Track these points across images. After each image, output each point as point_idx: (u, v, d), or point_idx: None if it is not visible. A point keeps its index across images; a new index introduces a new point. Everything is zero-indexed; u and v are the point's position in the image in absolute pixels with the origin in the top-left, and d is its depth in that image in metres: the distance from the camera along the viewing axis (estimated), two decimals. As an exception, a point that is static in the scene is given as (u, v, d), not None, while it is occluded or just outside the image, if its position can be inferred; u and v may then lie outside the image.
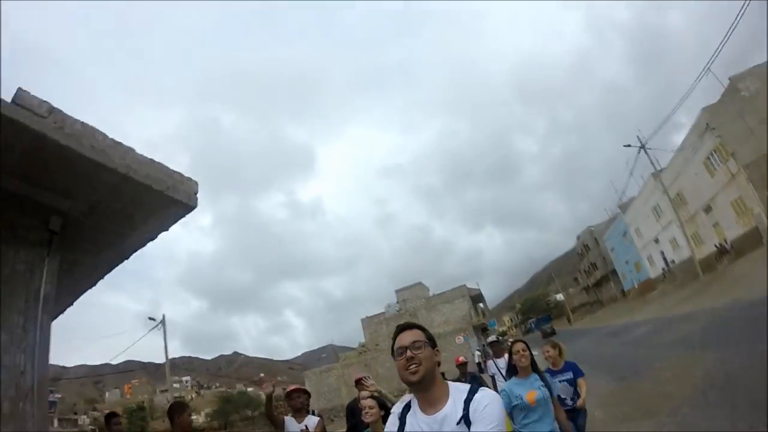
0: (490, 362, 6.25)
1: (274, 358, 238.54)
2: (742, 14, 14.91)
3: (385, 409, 3.37)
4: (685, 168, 24.72)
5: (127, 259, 3.91)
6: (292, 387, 4.52)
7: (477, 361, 29.19)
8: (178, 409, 3.76)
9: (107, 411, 5.12)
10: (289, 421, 4.42)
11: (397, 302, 37.71)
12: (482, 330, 37.55)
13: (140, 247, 3.74)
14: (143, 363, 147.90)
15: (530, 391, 3.35)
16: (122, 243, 3.50)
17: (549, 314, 75.99)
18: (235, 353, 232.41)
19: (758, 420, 4.59)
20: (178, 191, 3.10)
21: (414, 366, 1.61)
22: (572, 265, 78.71)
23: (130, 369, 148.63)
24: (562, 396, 4.59)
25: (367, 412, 3.23)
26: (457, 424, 1.56)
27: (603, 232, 49.28)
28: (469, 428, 1.55)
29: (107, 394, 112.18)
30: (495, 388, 6.27)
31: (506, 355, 6.31)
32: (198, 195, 3.36)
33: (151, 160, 2.92)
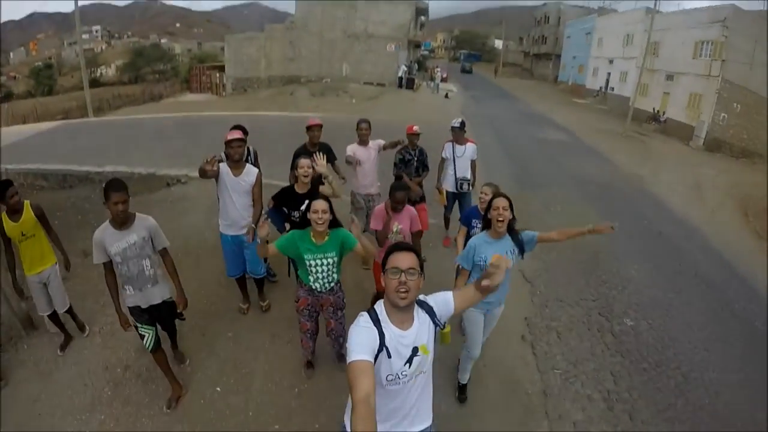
0: (447, 145, 5.91)
1: (193, 8, 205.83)
2: None
3: (332, 215, 3.23)
4: (677, 31, 22.97)
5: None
6: (233, 136, 3.99)
7: (400, 75, 29.70)
8: (105, 196, 3.01)
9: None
10: (225, 170, 3.98)
11: (342, -15, 32.23)
12: (416, 46, 36.21)
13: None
14: (49, 14, 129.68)
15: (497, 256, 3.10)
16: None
17: (480, 55, 76.06)
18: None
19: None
20: None
21: (404, 292, 1.78)
22: (523, 24, 73.96)
23: (34, 23, 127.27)
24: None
25: (320, 218, 3.09)
26: (434, 327, 1.94)
27: (570, 16, 46.01)
28: (441, 326, 1.96)
29: (11, 54, 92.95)
30: (440, 169, 6.13)
31: (468, 146, 5.93)
32: None
33: None
